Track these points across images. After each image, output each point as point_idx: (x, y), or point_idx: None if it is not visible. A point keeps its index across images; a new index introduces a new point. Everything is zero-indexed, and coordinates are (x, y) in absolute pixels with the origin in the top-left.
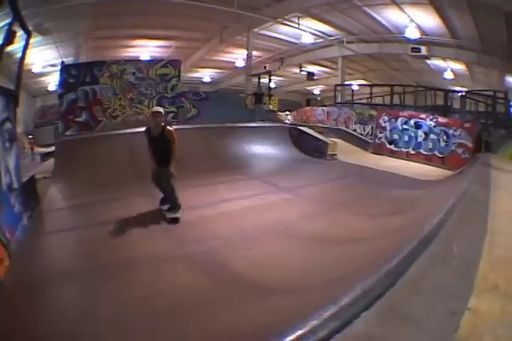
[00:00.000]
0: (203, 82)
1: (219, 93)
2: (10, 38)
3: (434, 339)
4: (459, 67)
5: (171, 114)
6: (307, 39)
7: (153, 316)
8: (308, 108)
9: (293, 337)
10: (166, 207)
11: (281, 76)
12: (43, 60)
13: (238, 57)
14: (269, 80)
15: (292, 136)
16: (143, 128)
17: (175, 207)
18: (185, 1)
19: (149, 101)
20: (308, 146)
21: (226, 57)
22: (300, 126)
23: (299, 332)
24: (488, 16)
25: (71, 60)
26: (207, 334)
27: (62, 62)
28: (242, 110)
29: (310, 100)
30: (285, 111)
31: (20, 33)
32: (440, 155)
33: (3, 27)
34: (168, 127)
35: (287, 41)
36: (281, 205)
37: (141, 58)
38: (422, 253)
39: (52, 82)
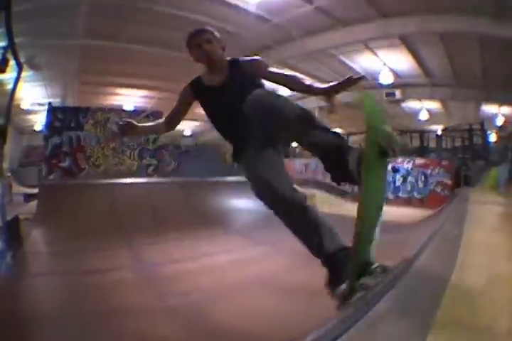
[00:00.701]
0: (184, 135)
1: (199, 147)
2: (2, 66)
3: None
4: (434, 105)
5: (152, 167)
6: (283, 92)
7: None
8: (285, 160)
9: None
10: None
11: None
12: (32, 96)
13: None
14: None
15: None
16: (125, 180)
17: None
18: (171, 52)
19: (131, 152)
20: None
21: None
22: None
23: None
24: (461, 47)
25: (58, 101)
26: None
27: (50, 104)
28: (222, 165)
29: (288, 153)
30: None
31: (12, 63)
32: (419, 196)
33: None
34: (250, 58)
35: None
36: (263, 258)
37: (124, 107)
38: (385, 295)
39: (38, 121)
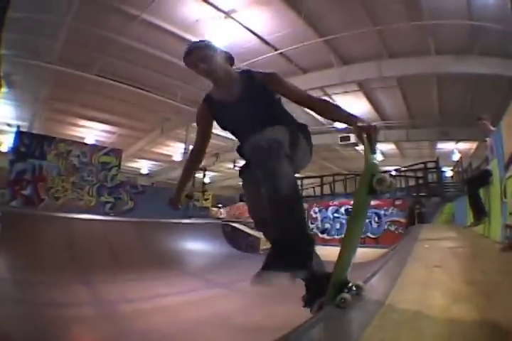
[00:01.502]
0: (141, 174)
1: (155, 187)
2: None
3: None
4: (389, 147)
5: (109, 205)
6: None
7: None
8: (241, 204)
9: None
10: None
11: (216, 171)
12: (2, 115)
13: (176, 151)
14: (204, 175)
15: (225, 232)
16: (83, 216)
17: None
18: (134, 89)
19: (90, 188)
20: (241, 242)
21: (164, 150)
22: (232, 221)
23: None
24: (419, 87)
25: (26, 124)
26: None
27: (18, 127)
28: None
29: (243, 196)
30: (218, 206)
31: None
32: (373, 236)
33: None
34: (264, 71)
35: (223, 137)
36: (217, 299)
37: (86, 141)
38: (318, 325)
39: (4, 142)
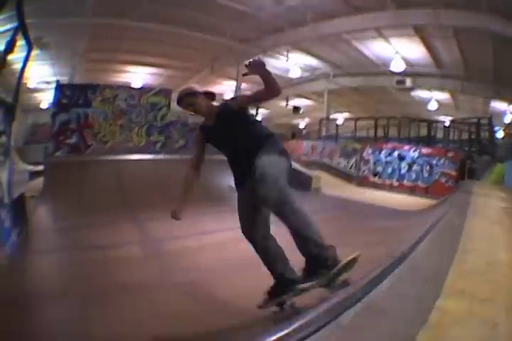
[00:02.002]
0: (191, 113)
1: None
2: (12, 46)
3: (406, 326)
4: (444, 96)
5: (159, 143)
6: (295, 73)
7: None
8: (293, 141)
9: None
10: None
11: (268, 108)
12: (39, 75)
13: (227, 89)
14: (257, 113)
15: None
16: (132, 156)
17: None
18: (180, 31)
19: (139, 129)
20: (293, 180)
21: (215, 89)
22: None
23: None
24: (474, 42)
25: (66, 79)
26: None
27: (58, 81)
28: None
29: (295, 133)
30: None
31: (21, 43)
32: (424, 185)
33: (6, 32)
34: (236, 99)
35: (275, 74)
36: None
37: (132, 85)
38: (396, 269)
39: (44, 99)
